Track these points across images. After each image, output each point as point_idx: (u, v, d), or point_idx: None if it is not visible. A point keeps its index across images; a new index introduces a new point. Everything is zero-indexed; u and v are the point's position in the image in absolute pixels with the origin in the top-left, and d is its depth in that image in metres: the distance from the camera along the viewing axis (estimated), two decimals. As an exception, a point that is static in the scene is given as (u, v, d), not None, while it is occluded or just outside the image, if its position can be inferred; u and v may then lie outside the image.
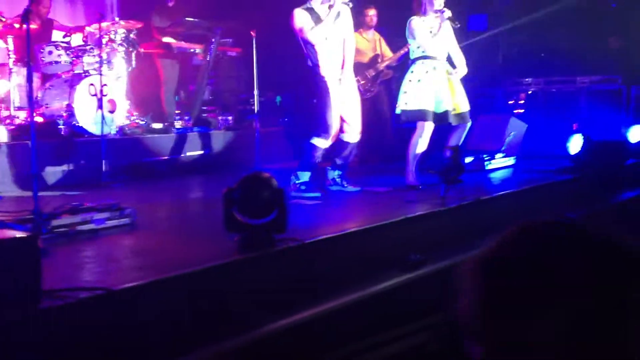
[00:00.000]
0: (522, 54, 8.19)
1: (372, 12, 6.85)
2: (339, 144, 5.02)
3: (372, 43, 6.89)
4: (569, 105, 7.52)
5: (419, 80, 5.13)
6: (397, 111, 5.23)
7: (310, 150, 4.94)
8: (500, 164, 6.31)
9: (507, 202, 4.85)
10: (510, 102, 7.91)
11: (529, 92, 7.83)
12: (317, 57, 4.85)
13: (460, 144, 5.42)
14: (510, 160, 6.46)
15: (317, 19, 4.79)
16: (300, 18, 4.77)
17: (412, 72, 5.20)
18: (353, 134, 5.04)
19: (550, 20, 7.79)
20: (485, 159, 6.19)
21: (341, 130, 4.99)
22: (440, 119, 5.16)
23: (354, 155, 5.27)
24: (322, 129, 4.89)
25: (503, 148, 6.43)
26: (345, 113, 4.98)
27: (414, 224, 3.99)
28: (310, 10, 4.80)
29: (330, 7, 4.81)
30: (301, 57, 7.18)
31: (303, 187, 4.89)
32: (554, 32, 8.01)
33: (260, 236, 3.32)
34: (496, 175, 6.01)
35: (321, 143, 4.91)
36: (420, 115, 5.12)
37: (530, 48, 8.22)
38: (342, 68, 4.93)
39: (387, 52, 6.89)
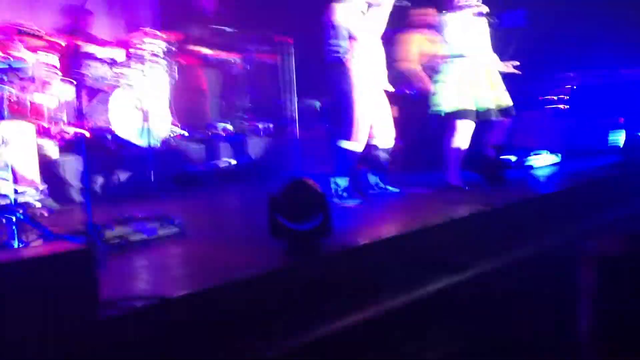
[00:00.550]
0: (564, 47, 8.05)
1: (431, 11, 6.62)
2: (373, 148, 4.98)
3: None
4: (614, 99, 7.37)
5: (455, 79, 5.09)
6: (436, 111, 5.18)
7: (343, 154, 4.85)
8: (545, 161, 6.23)
9: (554, 200, 4.79)
10: (553, 97, 7.78)
11: (574, 87, 7.68)
12: (349, 50, 4.77)
13: (503, 141, 5.38)
14: (555, 157, 6.38)
15: (357, 13, 4.77)
16: (342, 10, 4.74)
17: (447, 71, 5.15)
18: (385, 139, 4.97)
19: (590, 9, 7.65)
20: (530, 155, 6.12)
21: (372, 135, 4.93)
22: (482, 115, 5.10)
23: (392, 158, 5.20)
24: (348, 130, 4.80)
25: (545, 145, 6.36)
26: (375, 117, 4.91)
27: (459, 225, 3.97)
28: (351, 5, 4.78)
29: (369, 4, 4.78)
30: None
31: (343, 193, 4.82)
32: (596, 23, 7.85)
33: (306, 242, 3.35)
34: (541, 173, 5.93)
35: (351, 146, 4.81)
36: (460, 114, 5.07)
37: (572, 40, 8.08)
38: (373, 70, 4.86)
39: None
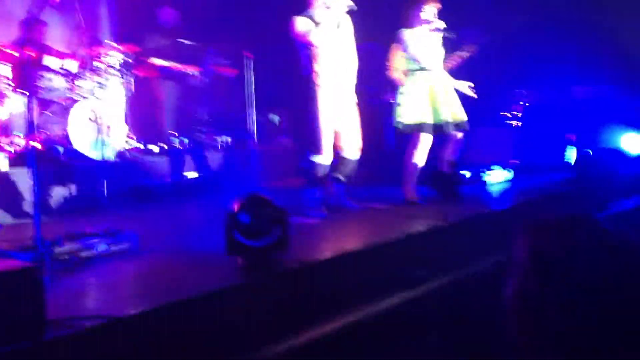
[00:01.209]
0: (517, 64, 8.21)
1: None
2: (339, 160, 4.99)
3: None
4: (565, 116, 7.54)
5: (413, 93, 5.15)
6: (394, 124, 5.23)
7: (310, 167, 4.88)
8: (498, 176, 6.32)
9: (508, 215, 4.85)
10: (506, 113, 7.93)
11: (526, 104, 7.85)
12: (312, 63, 4.79)
13: (457, 156, 5.45)
14: (509, 173, 6.48)
15: (317, 24, 4.77)
16: (301, 22, 4.75)
17: (406, 84, 5.21)
18: (352, 150, 5.01)
19: (543, 30, 7.83)
20: (484, 171, 6.21)
21: (339, 146, 4.96)
22: (438, 129, 5.16)
23: (356, 171, 5.22)
24: (313, 144, 4.82)
25: (500, 161, 6.46)
26: (342, 128, 4.92)
27: (415, 240, 4.00)
28: (310, 17, 4.78)
29: (331, 13, 4.78)
30: (299, 75, 7.19)
31: (309, 206, 4.83)
32: (548, 43, 8.04)
33: (263, 258, 3.33)
34: (495, 188, 6.02)
35: (318, 159, 4.84)
36: (418, 127, 5.13)
37: (524, 58, 8.25)
38: (337, 78, 4.85)
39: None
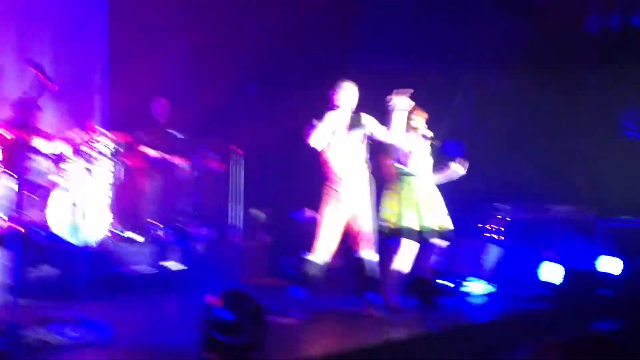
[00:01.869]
0: (500, 180, 8.41)
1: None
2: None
3: None
4: (544, 233, 7.65)
5: (399, 198, 5.22)
6: (378, 228, 5.24)
7: (299, 265, 4.89)
8: (478, 289, 6.31)
9: (488, 328, 4.83)
10: (487, 226, 8.02)
11: (507, 219, 7.95)
12: (325, 166, 4.91)
13: (441, 266, 5.46)
14: (488, 286, 6.47)
15: (332, 133, 4.87)
16: (316, 137, 4.84)
17: (393, 188, 5.29)
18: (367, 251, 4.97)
19: (523, 151, 8.12)
20: (464, 283, 6.21)
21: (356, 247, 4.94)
22: (423, 236, 5.20)
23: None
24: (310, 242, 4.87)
25: (480, 273, 6.47)
26: (360, 229, 4.93)
27: (395, 348, 3.94)
28: (327, 118, 4.86)
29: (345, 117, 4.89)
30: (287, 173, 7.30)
31: (289, 306, 4.79)
32: (528, 163, 8.31)
33: (238, 357, 3.26)
34: (474, 301, 6.00)
35: (311, 257, 4.84)
36: (404, 233, 5.16)
37: (508, 175, 8.46)
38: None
39: None
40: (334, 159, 4.92)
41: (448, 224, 5.31)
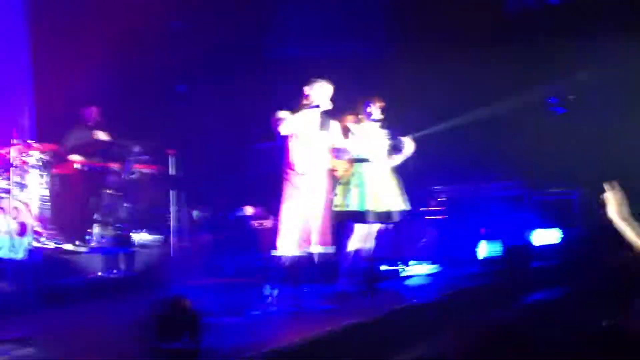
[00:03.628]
0: (432, 161, 8.57)
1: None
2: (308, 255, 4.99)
3: None
4: (479, 211, 7.86)
5: (353, 182, 5.29)
6: (336, 211, 5.27)
7: (267, 261, 4.91)
8: (416, 270, 6.45)
9: (427, 310, 4.94)
10: (423, 208, 8.18)
11: (444, 199, 8.13)
12: (287, 158, 4.91)
13: (382, 251, 5.56)
14: (426, 267, 6.61)
15: (297, 118, 4.88)
16: (282, 117, 4.86)
17: (346, 174, 5.35)
18: (316, 246, 4.99)
19: (456, 129, 8.29)
20: (401, 266, 6.33)
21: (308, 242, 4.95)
22: (377, 218, 5.28)
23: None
24: (278, 237, 4.87)
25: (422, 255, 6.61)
26: (310, 224, 4.95)
27: (338, 336, 4.00)
28: (294, 111, 4.90)
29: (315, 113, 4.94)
30: (218, 173, 7.25)
31: (269, 302, 4.80)
32: (461, 141, 8.49)
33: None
34: (412, 282, 6.12)
35: (277, 252, 4.86)
36: (358, 216, 5.23)
37: (441, 156, 8.62)
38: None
39: None
40: (296, 154, 4.92)
41: (403, 205, 5.39)
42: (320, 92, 4.96)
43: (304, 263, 4.95)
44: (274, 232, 5.05)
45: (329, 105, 5.00)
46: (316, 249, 4.97)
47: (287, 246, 4.87)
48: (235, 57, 8.31)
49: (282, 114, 4.89)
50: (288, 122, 4.86)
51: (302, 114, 4.91)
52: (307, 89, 4.97)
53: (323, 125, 5.05)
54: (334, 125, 5.15)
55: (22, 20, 7.72)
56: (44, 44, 7.66)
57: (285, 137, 4.91)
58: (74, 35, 7.71)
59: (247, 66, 8.39)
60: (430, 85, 8.37)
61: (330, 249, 5.05)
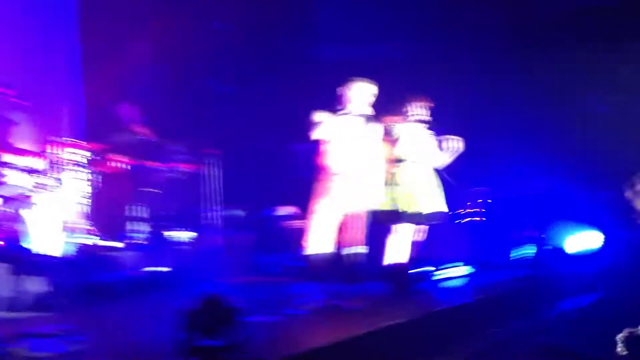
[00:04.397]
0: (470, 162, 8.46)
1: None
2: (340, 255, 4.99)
3: None
4: (525, 212, 7.69)
5: (395, 183, 5.29)
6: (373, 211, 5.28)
7: (298, 260, 4.98)
8: (456, 273, 6.40)
9: (464, 312, 4.91)
10: (469, 210, 8.07)
11: (488, 201, 8.00)
12: (324, 160, 4.92)
13: (416, 252, 5.54)
14: (468, 269, 6.56)
15: (336, 122, 4.88)
16: (320, 118, 4.85)
17: (391, 175, 5.35)
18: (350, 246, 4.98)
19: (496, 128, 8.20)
20: (444, 268, 6.29)
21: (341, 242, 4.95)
22: (417, 219, 5.27)
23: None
24: (312, 237, 4.86)
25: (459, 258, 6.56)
26: (342, 224, 4.94)
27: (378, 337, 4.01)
28: (333, 113, 4.90)
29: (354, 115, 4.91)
30: (261, 172, 7.27)
31: (304, 301, 4.82)
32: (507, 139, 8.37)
33: (217, 358, 3.30)
34: (446, 285, 6.07)
35: (308, 250, 4.85)
36: (396, 217, 5.23)
37: (476, 156, 8.50)
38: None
39: None
40: (333, 155, 4.90)
41: (443, 207, 5.37)
42: (359, 93, 4.92)
43: (339, 263, 4.95)
44: (309, 231, 5.06)
45: (366, 108, 4.95)
46: (350, 248, 4.95)
47: (320, 245, 4.85)
48: (277, 58, 8.36)
49: (319, 116, 4.86)
50: (324, 125, 4.84)
51: (340, 117, 4.88)
52: (345, 90, 4.93)
53: (364, 128, 4.99)
54: (376, 127, 5.08)
55: (72, 19, 7.93)
56: (92, 43, 7.85)
57: (324, 139, 4.91)
58: (120, 35, 7.87)
59: (289, 66, 8.43)
60: (473, 86, 8.30)
61: (363, 249, 5.01)
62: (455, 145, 5.49)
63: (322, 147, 4.93)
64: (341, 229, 4.95)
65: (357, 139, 4.98)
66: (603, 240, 6.94)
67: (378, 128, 5.10)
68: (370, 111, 4.98)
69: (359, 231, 4.99)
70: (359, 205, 4.98)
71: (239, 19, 8.32)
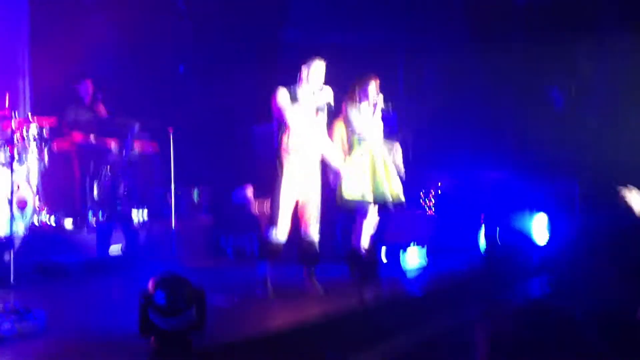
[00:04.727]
0: (429, 148, 8.56)
1: None
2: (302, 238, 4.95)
3: None
4: (476, 198, 7.84)
5: (354, 166, 5.27)
6: (340, 199, 5.27)
7: (264, 241, 4.85)
8: (413, 258, 6.45)
9: (421, 298, 4.97)
10: (422, 196, 8.17)
11: (439, 191, 8.10)
12: (283, 138, 4.85)
13: (374, 236, 5.56)
14: (422, 252, 6.60)
15: (295, 101, 4.84)
16: (281, 96, 4.83)
17: (351, 158, 5.32)
18: (308, 230, 4.94)
19: (454, 117, 8.29)
20: (399, 252, 6.33)
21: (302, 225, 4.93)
22: (379, 200, 5.28)
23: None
24: (271, 217, 4.83)
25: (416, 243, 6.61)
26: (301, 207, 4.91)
27: (333, 322, 4.02)
28: (292, 91, 4.86)
29: (313, 94, 4.88)
30: (218, 152, 7.19)
31: (261, 283, 4.80)
32: (460, 129, 8.49)
33: (176, 339, 3.26)
34: (410, 270, 6.14)
35: (272, 233, 4.80)
36: (363, 203, 5.23)
37: (437, 143, 8.60)
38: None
39: None
40: (291, 134, 4.85)
41: (400, 194, 5.39)
42: (318, 73, 4.93)
43: (299, 246, 4.94)
44: (269, 213, 5.01)
45: (325, 88, 4.96)
46: (310, 232, 4.97)
47: (278, 227, 4.83)
48: (237, 39, 8.26)
49: (278, 95, 4.86)
50: (283, 104, 4.83)
51: (299, 95, 4.88)
52: (304, 68, 4.94)
53: (322, 108, 5.01)
54: (333, 109, 5.08)
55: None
56: (43, 16, 7.60)
57: (282, 118, 4.87)
58: (75, 9, 7.65)
59: (249, 47, 8.35)
60: (429, 73, 8.37)
61: (317, 232, 4.98)
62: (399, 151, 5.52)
63: (280, 127, 4.89)
64: (299, 211, 4.93)
65: (315, 119, 4.97)
66: (551, 226, 7.10)
67: (335, 109, 5.09)
68: (328, 92, 4.96)
69: (317, 214, 4.97)
70: (316, 187, 4.98)
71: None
